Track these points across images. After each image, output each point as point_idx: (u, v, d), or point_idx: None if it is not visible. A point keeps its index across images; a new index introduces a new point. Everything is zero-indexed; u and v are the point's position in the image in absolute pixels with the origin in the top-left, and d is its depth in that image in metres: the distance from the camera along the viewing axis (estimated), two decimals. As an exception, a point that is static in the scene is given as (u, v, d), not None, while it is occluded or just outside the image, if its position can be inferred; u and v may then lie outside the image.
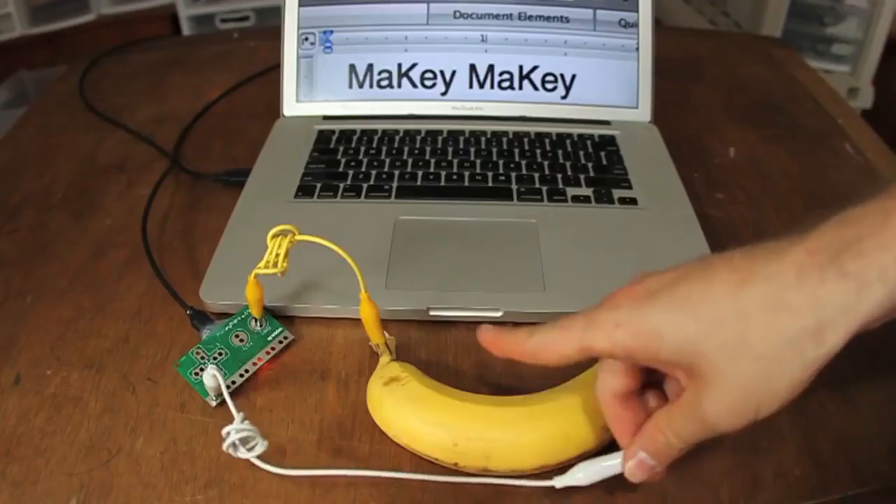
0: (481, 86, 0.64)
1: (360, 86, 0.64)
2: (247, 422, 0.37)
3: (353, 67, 0.64)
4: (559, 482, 0.36)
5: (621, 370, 0.34)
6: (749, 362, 0.29)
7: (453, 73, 0.64)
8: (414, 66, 0.64)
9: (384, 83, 0.64)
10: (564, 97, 0.64)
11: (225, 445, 0.37)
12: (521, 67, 0.64)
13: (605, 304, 0.33)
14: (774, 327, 0.29)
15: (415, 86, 0.64)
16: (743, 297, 0.29)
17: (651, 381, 0.35)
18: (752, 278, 0.30)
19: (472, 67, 0.64)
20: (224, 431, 0.37)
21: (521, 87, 0.64)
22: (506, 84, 0.64)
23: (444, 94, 0.64)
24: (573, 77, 0.63)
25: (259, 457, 0.37)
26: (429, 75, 0.64)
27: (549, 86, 0.64)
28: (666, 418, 0.32)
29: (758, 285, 0.29)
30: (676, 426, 0.32)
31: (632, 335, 0.31)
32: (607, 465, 0.35)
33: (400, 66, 0.64)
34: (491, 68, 0.64)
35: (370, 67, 0.64)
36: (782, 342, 0.29)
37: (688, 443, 0.32)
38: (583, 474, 0.35)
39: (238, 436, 0.37)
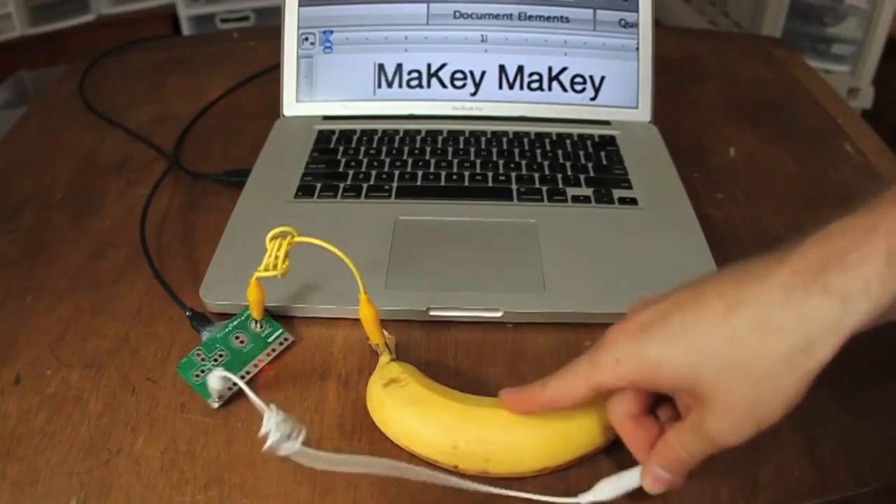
0: (504, 86, 0.64)
1: (361, 86, 0.64)
2: (281, 412, 0.33)
3: (354, 67, 0.64)
4: (584, 498, 0.36)
5: (631, 395, 0.36)
6: (745, 383, 0.31)
7: (453, 73, 0.64)
8: (438, 66, 0.64)
9: (385, 83, 0.64)
10: (549, 94, 0.64)
11: (268, 445, 0.33)
12: (502, 67, 0.64)
13: (605, 342, 0.35)
14: (766, 347, 0.30)
15: (413, 86, 0.64)
16: (733, 322, 0.31)
17: (661, 397, 0.37)
18: (741, 303, 0.31)
19: (474, 70, 0.64)
20: (264, 430, 0.33)
21: (512, 88, 0.64)
22: (506, 85, 0.64)
23: (442, 93, 0.64)
24: (558, 74, 0.64)
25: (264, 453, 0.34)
26: (445, 74, 0.64)
27: (533, 84, 0.64)
28: (676, 437, 0.34)
29: (746, 310, 0.31)
30: (686, 444, 0.34)
31: (632, 369, 0.34)
32: (628, 481, 0.36)
33: (400, 65, 0.64)
34: (488, 71, 0.64)
35: (373, 67, 0.64)
36: (775, 360, 0.30)
37: (697, 458, 0.34)
38: (608, 488, 0.36)
39: (281, 430, 0.33)
